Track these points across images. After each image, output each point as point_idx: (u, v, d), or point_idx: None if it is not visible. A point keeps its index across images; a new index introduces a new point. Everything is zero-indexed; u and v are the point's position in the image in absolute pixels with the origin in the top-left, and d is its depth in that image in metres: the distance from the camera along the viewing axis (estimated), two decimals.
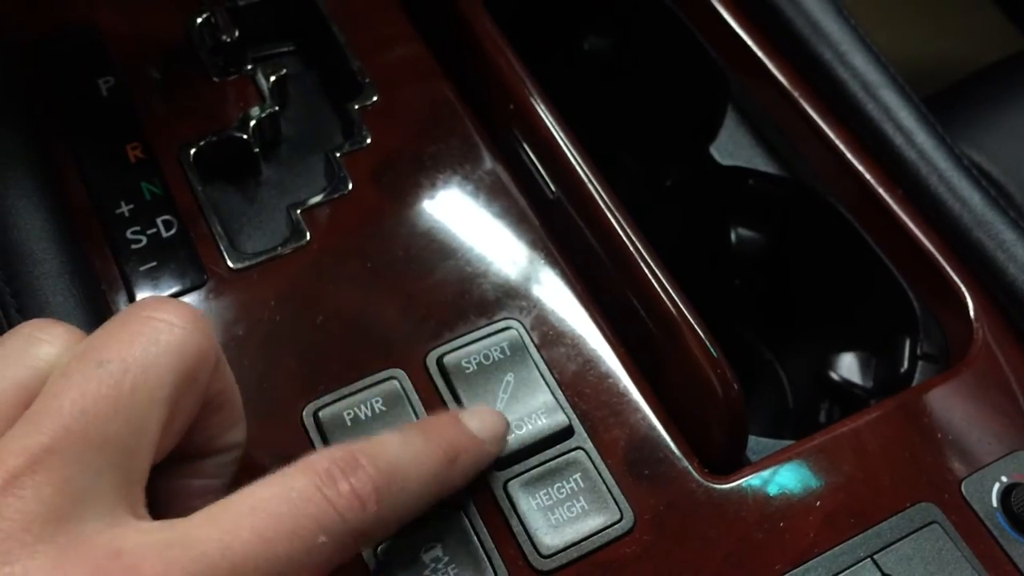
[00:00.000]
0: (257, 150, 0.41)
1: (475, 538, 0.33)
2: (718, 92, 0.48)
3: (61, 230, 0.37)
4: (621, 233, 0.38)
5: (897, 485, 0.35)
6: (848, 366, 0.46)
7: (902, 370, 0.42)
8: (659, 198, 0.53)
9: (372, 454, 0.28)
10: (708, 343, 0.36)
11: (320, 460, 0.27)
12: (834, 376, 0.46)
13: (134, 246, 0.38)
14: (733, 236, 0.51)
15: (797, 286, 0.50)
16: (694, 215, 0.52)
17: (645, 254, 0.37)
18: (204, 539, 0.24)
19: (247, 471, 0.33)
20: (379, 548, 0.32)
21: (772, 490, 0.35)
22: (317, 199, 0.40)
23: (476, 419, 0.33)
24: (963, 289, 0.40)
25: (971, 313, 0.40)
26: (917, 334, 0.43)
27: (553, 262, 0.39)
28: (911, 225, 0.42)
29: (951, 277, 0.41)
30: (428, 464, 0.29)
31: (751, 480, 0.35)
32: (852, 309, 0.47)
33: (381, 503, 0.27)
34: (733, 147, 0.48)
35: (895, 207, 0.42)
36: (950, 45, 1.08)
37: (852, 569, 0.33)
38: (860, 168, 0.43)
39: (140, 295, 0.37)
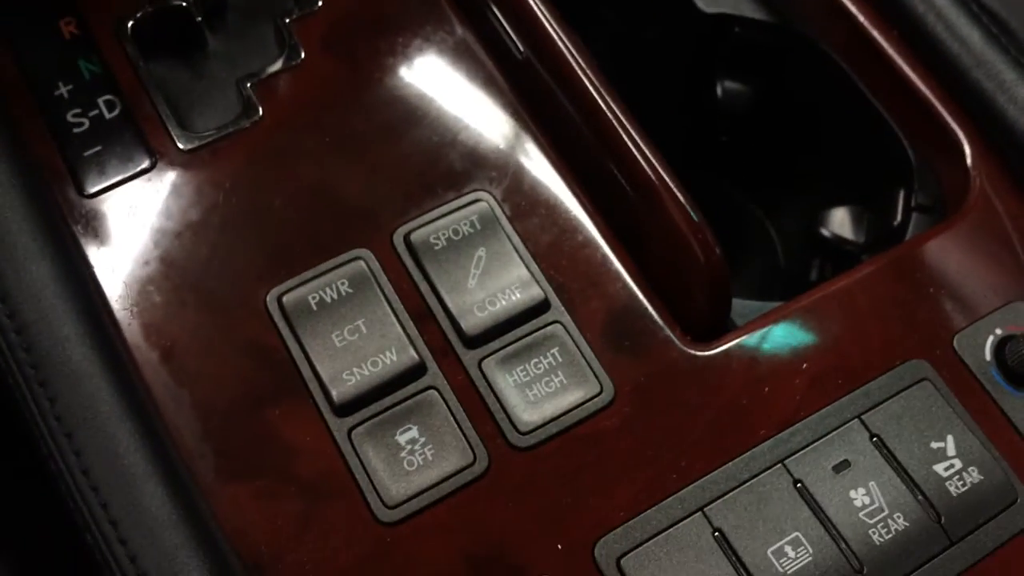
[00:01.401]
0: (200, 19, 0.38)
1: (451, 418, 0.32)
2: None
3: None
4: (594, 93, 0.35)
5: (887, 343, 0.34)
6: (840, 221, 0.44)
7: (895, 223, 0.41)
8: (642, 53, 0.50)
9: None
10: (688, 206, 0.34)
11: None
12: (825, 232, 0.44)
13: (76, 130, 0.36)
14: (719, 90, 0.48)
15: (787, 140, 0.48)
16: (679, 69, 0.49)
17: (620, 114, 0.35)
18: None
19: (211, 365, 0.32)
20: (352, 432, 0.31)
21: (756, 354, 0.33)
22: (268, 71, 0.37)
23: None
24: (960, 134, 0.38)
25: (968, 160, 0.38)
26: (912, 185, 0.41)
27: (524, 128, 0.37)
28: (906, 68, 0.39)
29: (947, 122, 0.38)
30: None
31: (735, 345, 0.33)
32: (844, 162, 0.45)
33: None
34: None
35: (889, 49, 0.40)
36: None
37: (839, 430, 0.32)
38: (852, 8, 0.40)
39: (86, 183, 0.35)
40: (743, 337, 0.34)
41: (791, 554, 0.30)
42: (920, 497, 0.31)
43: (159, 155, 0.36)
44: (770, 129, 0.48)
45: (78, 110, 0.36)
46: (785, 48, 0.45)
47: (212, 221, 0.35)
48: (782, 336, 0.34)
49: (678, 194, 0.34)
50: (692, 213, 0.34)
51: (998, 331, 0.34)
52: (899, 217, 0.41)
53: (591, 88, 0.36)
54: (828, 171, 0.46)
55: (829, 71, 0.43)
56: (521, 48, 0.37)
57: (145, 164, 0.35)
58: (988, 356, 0.34)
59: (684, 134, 0.50)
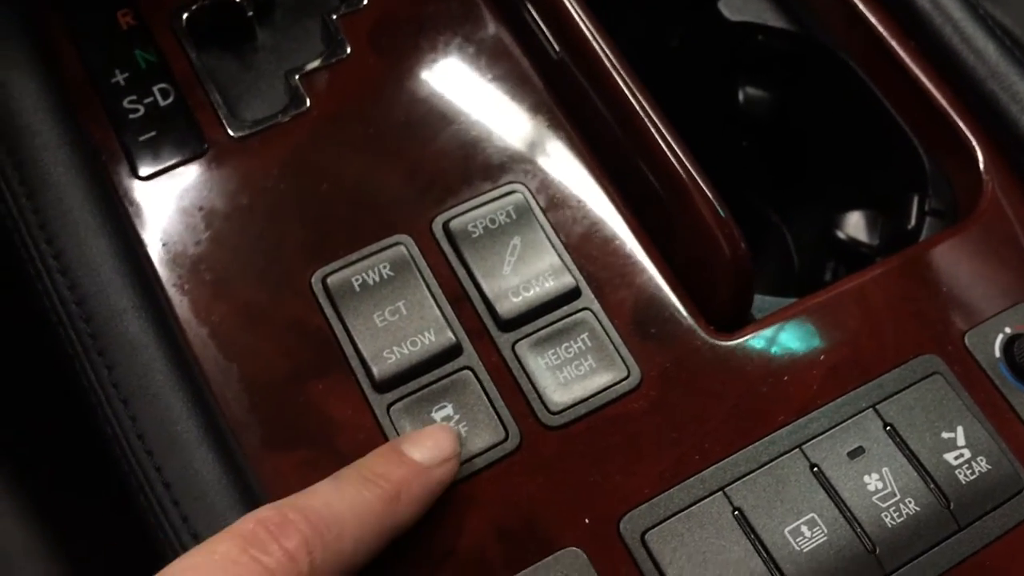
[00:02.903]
0: (251, 13, 0.40)
1: (485, 397, 0.33)
2: None
3: (56, 101, 0.36)
4: (627, 92, 0.37)
5: (900, 339, 0.36)
6: (855, 224, 0.46)
7: (909, 227, 0.42)
8: (666, 58, 0.52)
9: (302, 507, 0.27)
10: (716, 203, 0.35)
11: (246, 523, 0.26)
12: (840, 235, 0.46)
13: (131, 116, 0.37)
14: (741, 96, 0.50)
15: (805, 145, 0.50)
16: (701, 75, 0.51)
17: (652, 114, 0.37)
18: None
19: (258, 341, 0.34)
20: (391, 408, 0.33)
21: (776, 346, 0.35)
22: (315, 64, 0.39)
23: (418, 447, 0.31)
24: (973, 141, 0.40)
25: (981, 166, 0.39)
26: (926, 190, 0.42)
27: (558, 125, 0.39)
28: (923, 77, 0.41)
29: (962, 129, 0.40)
30: (366, 507, 0.28)
31: (756, 337, 0.35)
32: (861, 167, 0.47)
33: (314, 554, 0.26)
34: (742, 2, 0.46)
35: (907, 59, 0.41)
36: None
37: (855, 419, 0.34)
38: (872, 19, 0.42)
39: (141, 166, 0.37)
40: (764, 330, 0.35)
41: (807, 534, 0.31)
42: (931, 484, 0.32)
43: (210, 142, 0.37)
44: (789, 135, 0.50)
45: (134, 97, 0.38)
46: (805, 56, 0.46)
47: (260, 205, 0.36)
48: (800, 329, 0.35)
49: (707, 191, 0.36)
50: (720, 209, 0.36)
51: (1007, 330, 0.36)
52: (913, 221, 0.43)
53: (625, 88, 0.37)
54: (844, 176, 0.48)
55: (847, 79, 0.44)
56: (557, 48, 0.39)
57: (197, 150, 0.37)
58: (997, 353, 0.35)
59: (706, 139, 0.51)
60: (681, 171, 0.36)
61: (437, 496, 0.31)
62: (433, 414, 0.33)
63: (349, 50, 0.39)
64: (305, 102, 0.38)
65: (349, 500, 0.28)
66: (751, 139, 0.52)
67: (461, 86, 0.39)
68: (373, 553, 0.28)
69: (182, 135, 0.37)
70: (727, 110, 0.50)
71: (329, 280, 0.35)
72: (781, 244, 0.52)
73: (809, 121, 0.49)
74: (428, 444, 0.31)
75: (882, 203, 0.46)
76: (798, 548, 0.31)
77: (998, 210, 0.39)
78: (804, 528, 0.31)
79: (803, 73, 0.47)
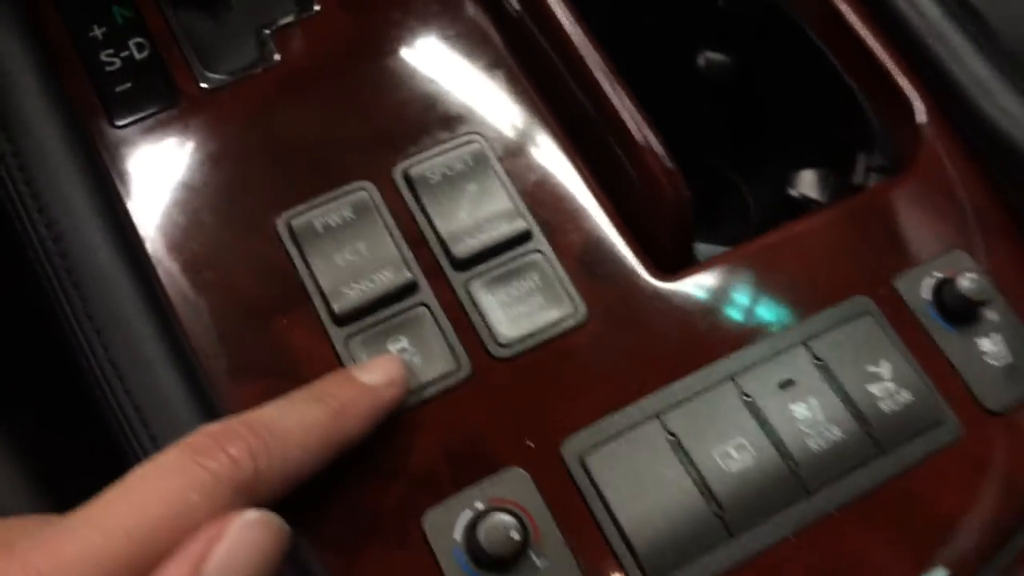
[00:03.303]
0: None
1: (438, 331, 0.35)
2: None
3: (39, 58, 0.38)
4: (581, 50, 0.39)
5: (835, 282, 0.38)
6: (807, 182, 0.48)
7: (856, 183, 0.44)
8: (630, 25, 0.54)
9: (249, 419, 0.29)
10: (661, 153, 0.37)
11: (194, 435, 0.28)
12: (793, 192, 0.48)
13: (108, 68, 0.39)
14: (702, 61, 0.51)
15: (763, 108, 0.51)
16: (663, 40, 0.52)
17: (605, 70, 0.39)
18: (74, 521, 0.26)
19: (226, 278, 0.36)
20: (349, 340, 0.35)
21: (715, 287, 0.37)
22: (285, 21, 0.41)
23: (367, 371, 0.33)
24: (913, 98, 0.41)
25: (919, 120, 0.41)
26: (872, 147, 0.44)
27: (515, 79, 0.41)
28: (870, 39, 0.43)
29: (902, 87, 0.42)
30: (312, 420, 0.30)
31: (696, 278, 0.37)
32: (814, 128, 0.49)
33: (258, 460, 0.28)
34: None
35: (856, 23, 0.43)
36: None
37: (787, 353, 0.36)
38: None
39: (116, 115, 0.39)
40: (704, 272, 0.37)
41: (735, 456, 0.33)
42: (854, 412, 0.35)
43: (183, 93, 0.39)
44: (748, 98, 0.52)
45: (111, 51, 0.40)
46: (764, 21, 0.48)
47: (230, 153, 0.38)
48: (739, 272, 0.37)
49: (653, 143, 0.38)
50: (666, 161, 0.38)
51: (937, 274, 0.38)
52: (859, 177, 0.44)
53: (579, 46, 0.39)
54: (799, 136, 0.50)
55: (802, 43, 0.46)
56: (516, 6, 0.41)
57: (171, 101, 0.39)
58: (927, 296, 0.37)
59: (669, 102, 0.53)
60: (629, 124, 0.38)
61: (383, 415, 0.33)
62: (389, 346, 0.35)
63: (318, 8, 0.41)
64: (274, 57, 0.40)
65: (297, 414, 0.30)
66: (713, 103, 0.53)
67: (424, 43, 0.41)
68: (320, 463, 0.30)
69: (156, 87, 0.39)
70: (689, 74, 0.52)
71: (294, 222, 0.37)
72: (742, 202, 0.54)
73: (767, 84, 0.51)
74: (376, 369, 0.33)
75: (833, 161, 0.47)
76: (726, 469, 0.33)
77: (936, 163, 0.41)
78: (733, 451, 0.34)
79: (761, 38, 0.49)
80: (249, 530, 0.27)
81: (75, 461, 0.46)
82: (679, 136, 0.54)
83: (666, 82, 0.53)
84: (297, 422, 0.30)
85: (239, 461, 0.28)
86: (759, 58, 0.50)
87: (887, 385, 0.35)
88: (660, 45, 0.53)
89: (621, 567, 0.32)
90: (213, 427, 0.29)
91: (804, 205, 0.48)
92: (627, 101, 0.38)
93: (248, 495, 0.28)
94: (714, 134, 0.55)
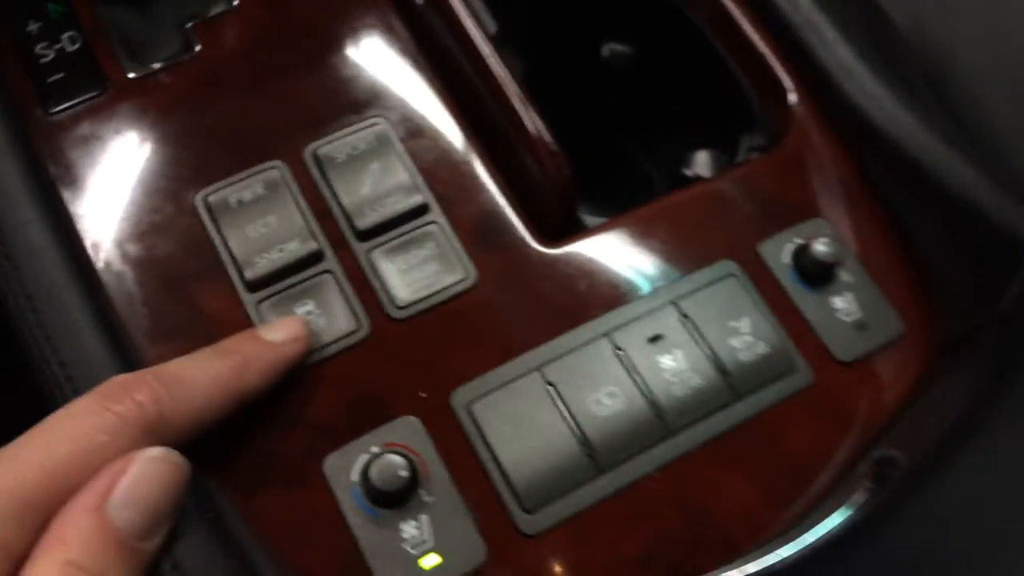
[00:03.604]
0: None
1: (341, 295, 0.39)
2: None
3: None
4: (475, 40, 0.43)
5: (704, 247, 0.41)
6: (700, 162, 0.52)
7: (738, 162, 0.48)
8: (541, 21, 0.58)
9: (155, 370, 0.32)
10: (546, 136, 0.41)
11: (106, 384, 0.31)
12: (687, 172, 0.52)
13: (42, 60, 0.43)
14: (606, 51, 0.55)
15: (662, 96, 0.55)
16: (572, 34, 0.56)
17: (496, 60, 0.42)
18: None
19: (147, 250, 0.39)
20: (260, 304, 0.38)
21: (596, 252, 0.41)
22: (207, 13, 0.44)
23: (271, 330, 0.36)
24: (786, 81, 0.45)
25: (791, 101, 0.45)
26: (753, 129, 0.48)
27: (419, 67, 0.44)
28: (749, 29, 0.47)
29: (777, 71, 0.46)
30: (216, 372, 0.33)
31: (578, 245, 0.41)
32: (707, 112, 0.53)
33: (163, 404, 0.31)
34: None
35: (738, 14, 0.47)
36: None
37: (657, 312, 0.39)
38: None
39: (49, 103, 0.42)
40: (586, 239, 0.41)
41: (607, 402, 0.37)
42: (715, 362, 0.38)
43: (112, 82, 0.43)
44: (649, 85, 0.55)
45: (45, 43, 0.43)
46: (659, 15, 0.52)
47: (153, 135, 0.42)
48: (617, 239, 0.41)
49: (542, 130, 0.41)
50: (552, 145, 0.41)
51: (798, 240, 0.42)
52: (742, 156, 0.48)
53: (474, 38, 0.43)
54: (694, 121, 0.54)
55: (693, 35, 0.50)
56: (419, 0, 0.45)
57: (99, 89, 0.42)
58: (787, 260, 0.41)
59: (580, 93, 0.57)
60: (520, 111, 0.41)
61: (285, 370, 0.36)
62: (296, 309, 0.39)
63: (236, 2, 0.45)
64: (195, 47, 0.43)
65: (202, 366, 0.34)
66: (619, 92, 0.57)
67: (335, 33, 0.44)
68: (223, 411, 0.34)
69: (87, 76, 0.43)
70: (597, 65, 0.56)
71: (210, 198, 0.40)
72: (649, 183, 0.58)
73: (664, 73, 0.55)
74: (280, 328, 0.37)
75: (723, 143, 0.51)
76: (597, 413, 0.37)
77: (804, 140, 0.45)
78: (604, 398, 0.37)
79: (657, 31, 0.53)
80: (151, 464, 0.30)
81: (10, 417, 0.49)
82: (591, 120, 0.58)
83: (577, 72, 0.58)
84: (201, 372, 0.33)
85: (144, 405, 0.31)
86: (657, 49, 0.54)
87: (746, 338, 0.39)
88: (570, 38, 0.57)
89: (501, 502, 0.36)
90: (123, 376, 0.32)
91: (695, 183, 0.52)
92: (518, 91, 0.42)
93: (154, 436, 0.31)
94: (623, 119, 0.58)
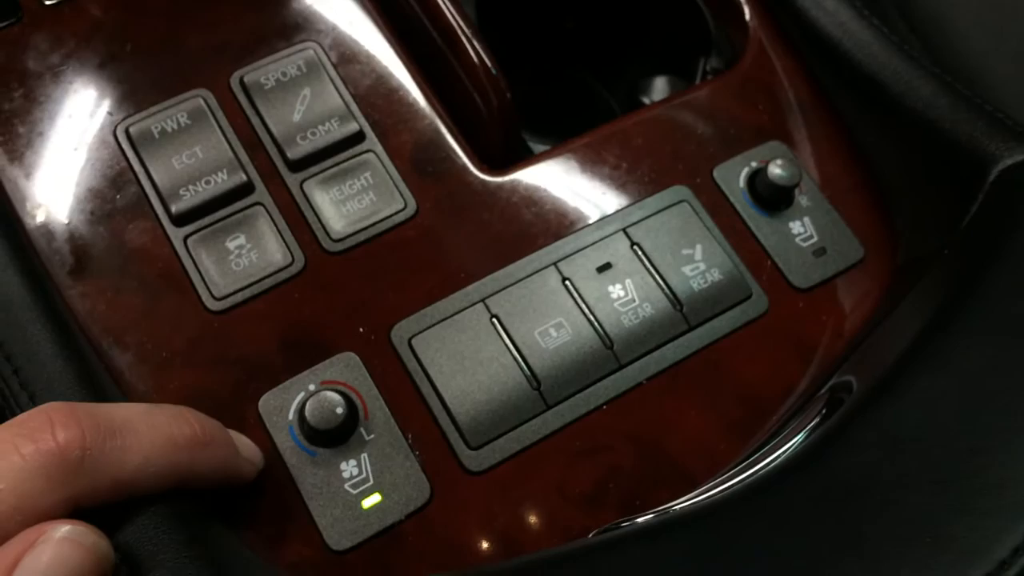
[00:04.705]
0: None
1: (274, 228, 0.37)
2: None
3: None
4: None
5: (656, 172, 0.40)
6: (658, 88, 0.50)
7: (695, 85, 0.46)
8: None
9: (95, 410, 0.27)
10: (487, 59, 0.39)
11: (34, 412, 0.26)
12: (644, 99, 0.50)
13: None
14: None
15: (620, 22, 0.53)
16: None
17: None
18: None
19: (69, 186, 0.37)
20: (188, 239, 0.36)
21: (540, 180, 0.39)
22: None
23: (239, 439, 0.32)
24: (744, 2, 0.43)
25: (747, 20, 0.43)
26: (710, 52, 0.46)
27: None
28: None
29: None
30: (167, 435, 0.28)
31: (523, 172, 0.39)
32: (663, 38, 0.51)
33: (89, 451, 0.26)
34: None
35: None
36: None
37: (606, 240, 0.38)
38: None
39: None
40: (531, 166, 0.39)
41: (554, 334, 0.36)
42: (667, 290, 0.37)
43: (26, 9, 0.40)
44: (604, 11, 0.53)
45: None
46: None
47: (70, 65, 0.39)
48: (564, 165, 0.39)
49: (480, 50, 0.39)
50: (490, 65, 0.39)
51: (753, 164, 0.40)
52: (698, 80, 0.47)
53: None
54: (651, 47, 0.52)
55: None
56: None
57: (14, 17, 0.40)
58: (742, 184, 0.40)
59: (536, 21, 0.55)
60: (459, 34, 0.39)
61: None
62: (227, 243, 0.37)
63: None
64: None
65: (155, 424, 0.28)
66: (575, 20, 0.55)
67: None
68: (153, 486, 0.28)
69: (2, 4, 0.40)
70: None
71: (131, 129, 0.38)
72: (608, 111, 0.56)
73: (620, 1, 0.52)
74: (245, 443, 0.32)
75: (680, 68, 0.49)
76: (544, 346, 0.35)
77: (761, 59, 0.43)
78: (552, 330, 0.36)
79: None
80: (59, 547, 0.25)
81: None
82: (546, 50, 0.55)
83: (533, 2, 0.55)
84: (150, 429, 0.28)
85: (66, 449, 0.26)
86: None
87: (699, 266, 0.37)
88: None
89: (444, 438, 0.34)
90: (56, 405, 0.27)
91: None
92: (456, 12, 0.40)
93: (62, 487, 0.26)
94: (580, 49, 0.56)
